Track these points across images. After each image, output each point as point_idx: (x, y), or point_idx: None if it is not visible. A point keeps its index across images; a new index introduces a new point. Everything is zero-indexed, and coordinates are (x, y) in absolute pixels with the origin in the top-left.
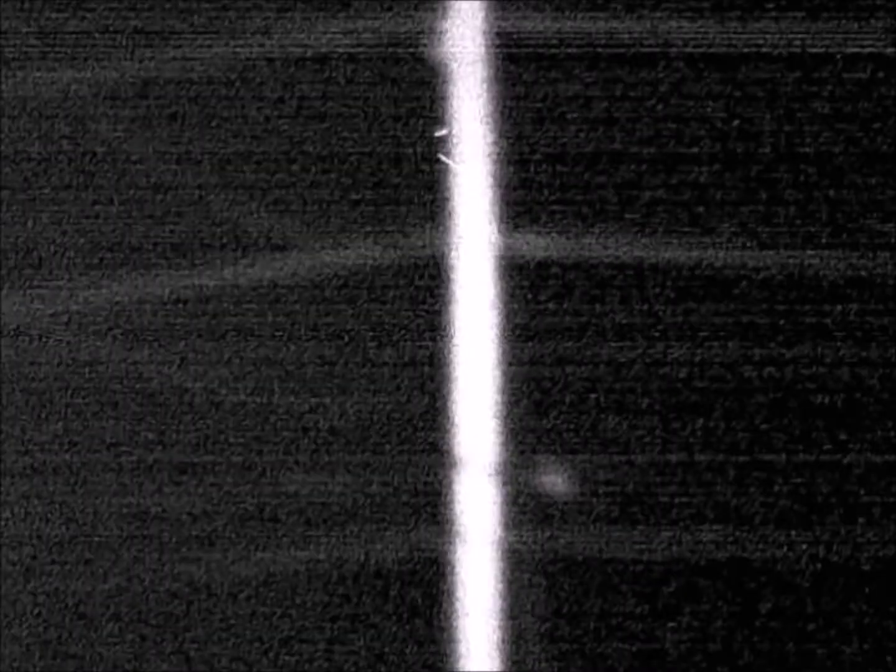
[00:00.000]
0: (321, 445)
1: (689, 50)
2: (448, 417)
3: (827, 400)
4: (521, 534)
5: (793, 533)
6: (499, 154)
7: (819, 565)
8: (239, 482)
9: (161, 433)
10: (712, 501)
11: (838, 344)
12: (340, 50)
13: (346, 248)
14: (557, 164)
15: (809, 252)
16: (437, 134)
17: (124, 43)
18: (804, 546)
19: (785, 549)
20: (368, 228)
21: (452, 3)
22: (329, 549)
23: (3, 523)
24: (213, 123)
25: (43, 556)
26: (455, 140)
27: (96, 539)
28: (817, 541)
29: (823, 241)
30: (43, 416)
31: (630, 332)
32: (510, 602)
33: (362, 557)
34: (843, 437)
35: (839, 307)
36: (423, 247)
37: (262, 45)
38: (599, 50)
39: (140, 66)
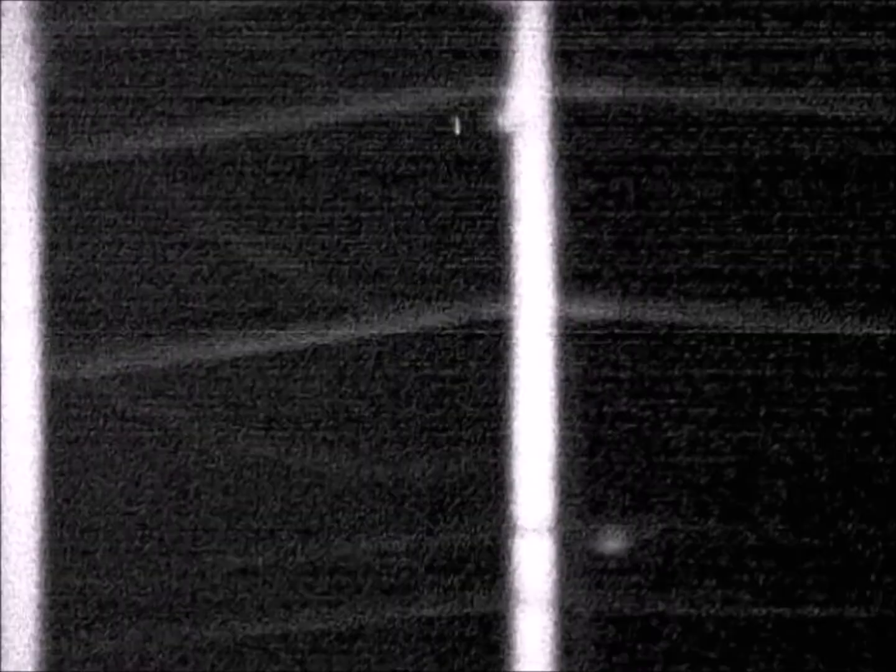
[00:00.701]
0: (384, 508)
1: (744, 118)
2: (507, 480)
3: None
4: (576, 593)
5: (836, 595)
6: (560, 221)
7: (862, 624)
8: (303, 545)
9: (222, 496)
10: (764, 563)
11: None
12: (405, 116)
13: (410, 313)
14: (616, 231)
15: (848, 317)
16: (455, 128)
17: (182, 110)
18: (854, 607)
19: (831, 608)
20: (431, 294)
21: (516, 71)
22: (392, 608)
23: (52, 579)
24: (275, 189)
25: (92, 615)
26: (514, 197)
27: (153, 596)
28: (861, 599)
29: (857, 308)
30: (98, 474)
31: (685, 396)
32: (565, 660)
33: (423, 615)
34: None
35: (889, 371)
36: (485, 312)
37: (324, 113)
38: (661, 118)
39: (197, 133)
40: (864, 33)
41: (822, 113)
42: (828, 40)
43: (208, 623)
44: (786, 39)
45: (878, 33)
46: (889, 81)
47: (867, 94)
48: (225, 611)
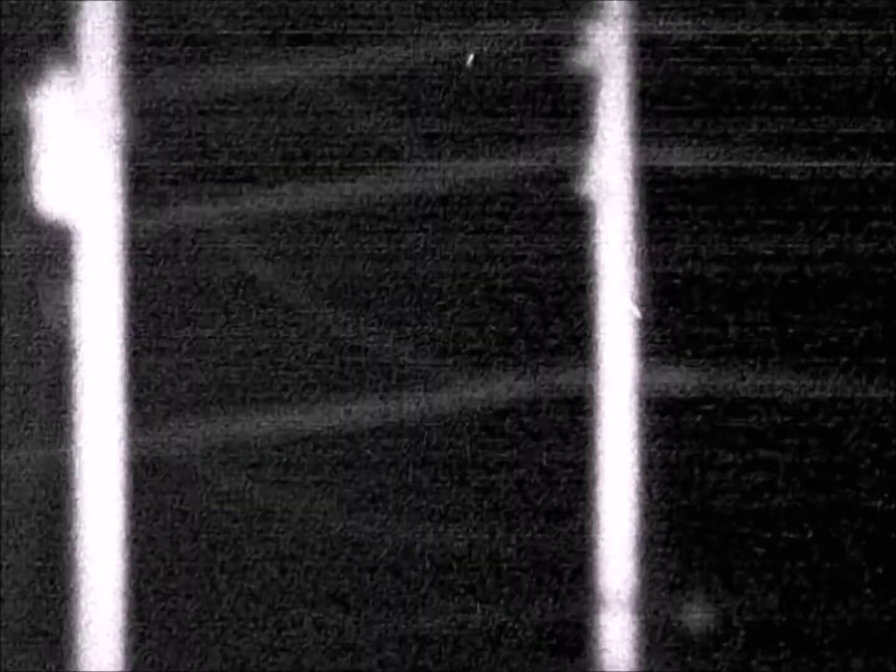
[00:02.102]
0: (469, 581)
1: (825, 188)
2: (591, 554)
3: None
4: (661, 667)
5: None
6: (642, 289)
7: None
8: (389, 615)
9: (312, 570)
10: (849, 635)
11: None
12: (490, 185)
13: (493, 383)
14: (699, 301)
15: None
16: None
17: (263, 178)
18: None
19: None
20: (514, 364)
21: (598, 138)
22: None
23: (136, 659)
24: (353, 256)
25: None
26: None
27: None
28: None
29: None
30: (181, 546)
31: (769, 467)
32: None
33: None
34: None
35: None
36: (568, 382)
37: (411, 181)
38: (742, 185)
39: (282, 200)
40: None
41: None
42: None
43: None
44: None
45: None
46: None
47: None
48: None
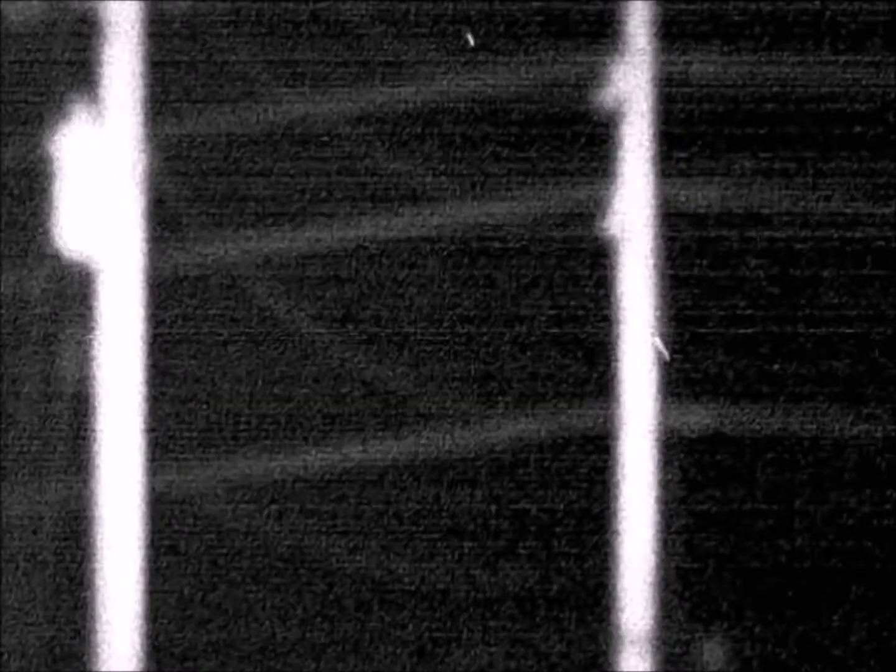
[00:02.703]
0: (489, 619)
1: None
2: (610, 591)
3: None
4: None
5: None
6: (662, 327)
7: None
8: (405, 656)
9: (320, 609)
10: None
11: None
12: (513, 224)
13: (514, 422)
14: (719, 339)
15: None
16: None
17: (284, 216)
18: None
19: None
20: (535, 403)
21: (620, 176)
22: None
23: None
24: (375, 295)
25: None
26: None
27: None
28: None
29: None
30: (195, 585)
31: (790, 502)
32: None
33: None
34: None
35: None
36: (588, 420)
37: (431, 220)
38: (762, 223)
39: (298, 239)
40: None
41: None
42: None
43: None
44: None
45: None
46: None
47: None
48: None
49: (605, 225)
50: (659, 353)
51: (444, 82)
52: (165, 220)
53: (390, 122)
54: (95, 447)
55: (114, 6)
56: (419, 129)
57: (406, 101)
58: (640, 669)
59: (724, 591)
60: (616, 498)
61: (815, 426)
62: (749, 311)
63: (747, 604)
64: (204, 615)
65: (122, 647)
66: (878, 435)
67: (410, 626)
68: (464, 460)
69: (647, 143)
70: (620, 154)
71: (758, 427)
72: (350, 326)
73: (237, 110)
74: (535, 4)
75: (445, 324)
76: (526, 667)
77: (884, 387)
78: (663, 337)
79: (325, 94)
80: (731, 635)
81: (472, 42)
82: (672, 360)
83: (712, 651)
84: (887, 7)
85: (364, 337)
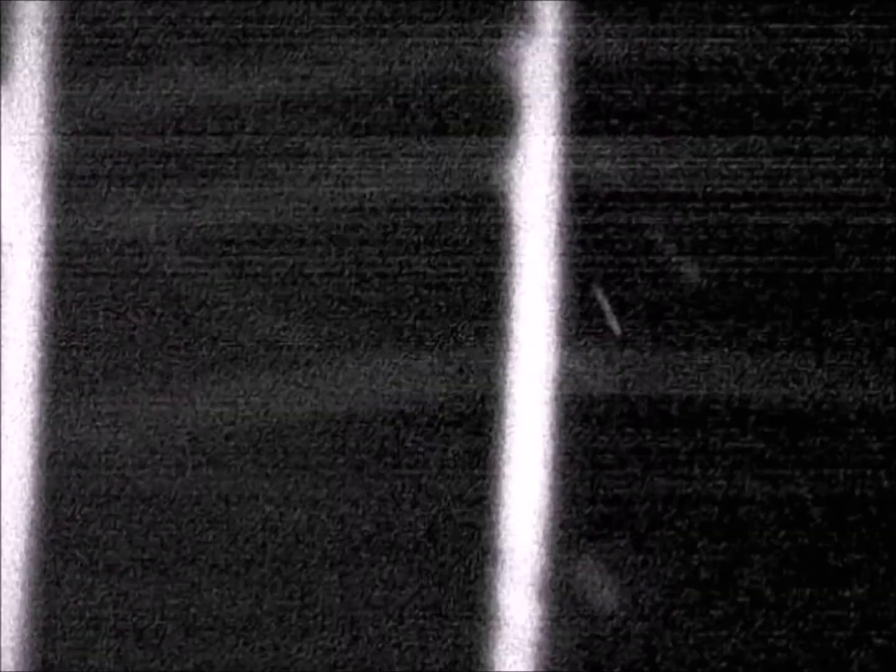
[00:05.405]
0: (366, 544)
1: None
2: (492, 516)
3: None
4: (562, 638)
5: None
6: (560, 276)
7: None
8: (287, 581)
9: (233, 574)
10: (761, 610)
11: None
12: (416, 197)
13: (403, 377)
14: (618, 287)
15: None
16: None
17: (198, 186)
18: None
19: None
20: (425, 353)
21: (525, 155)
22: (368, 646)
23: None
24: (277, 258)
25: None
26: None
27: None
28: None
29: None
30: (100, 545)
31: (690, 464)
32: None
33: (403, 657)
34: None
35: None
36: (482, 379)
37: (330, 196)
38: (670, 190)
39: (201, 206)
40: None
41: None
42: None
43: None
44: None
45: None
46: None
47: None
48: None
49: (509, 203)
50: (611, 327)
51: (355, 63)
52: (71, 192)
53: (306, 101)
54: None
55: None
56: (334, 109)
57: (321, 82)
58: (522, 597)
59: (617, 534)
60: (507, 448)
61: (726, 385)
62: (651, 270)
63: (639, 548)
64: (102, 588)
65: (12, 616)
66: (789, 391)
67: (291, 554)
68: (353, 415)
69: (554, 120)
70: (527, 129)
71: (662, 382)
72: (255, 286)
73: (152, 79)
74: None
75: (345, 284)
76: (411, 582)
77: (802, 344)
78: (558, 287)
79: (243, 74)
80: (620, 577)
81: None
82: (567, 311)
83: (602, 591)
84: None
85: (268, 296)
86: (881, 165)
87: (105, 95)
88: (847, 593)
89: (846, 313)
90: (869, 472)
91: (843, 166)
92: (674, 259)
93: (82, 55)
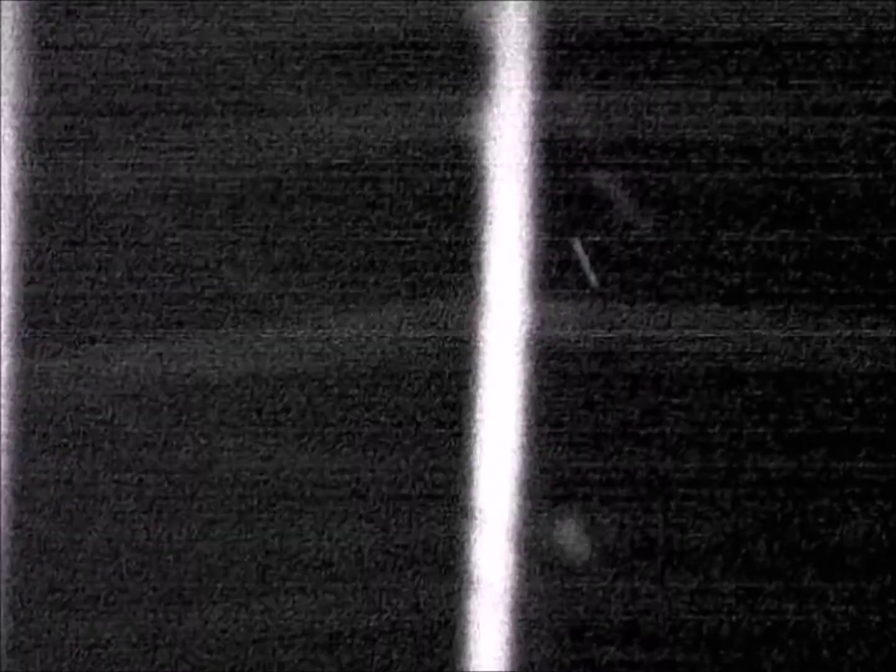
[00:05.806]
0: (338, 499)
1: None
2: (465, 470)
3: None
4: (535, 589)
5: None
6: (532, 226)
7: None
8: (257, 537)
9: (184, 502)
10: (736, 559)
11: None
12: (383, 148)
13: (372, 315)
14: (594, 233)
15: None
16: None
17: (176, 137)
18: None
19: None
20: (394, 302)
21: (498, 110)
22: (340, 603)
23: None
24: (238, 208)
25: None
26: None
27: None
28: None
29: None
30: (70, 486)
31: (663, 411)
32: (521, 659)
33: (373, 610)
34: None
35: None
36: (451, 317)
37: (291, 144)
38: (639, 151)
39: (172, 159)
40: None
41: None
42: None
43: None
44: None
45: None
46: None
47: None
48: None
49: (482, 155)
50: (587, 278)
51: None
52: (43, 145)
53: (284, 53)
54: None
55: None
56: (313, 57)
57: (280, 32)
58: (494, 548)
59: (587, 480)
60: (479, 397)
61: (703, 328)
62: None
63: (611, 494)
64: (72, 527)
65: None
66: (761, 335)
67: (262, 504)
68: (326, 367)
69: (526, 71)
70: (500, 82)
71: (634, 328)
72: (225, 241)
73: (129, 26)
74: None
75: (315, 238)
76: (372, 545)
77: (771, 291)
78: (531, 235)
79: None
80: (592, 523)
81: None
82: (538, 261)
83: (572, 537)
84: None
85: (238, 251)
86: (859, 119)
87: (78, 46)
88: (833, 533)
89: (816, 265)
90: (854, 428)
91: (821, 118)
92: (625, 212)
93: (58, 9)
